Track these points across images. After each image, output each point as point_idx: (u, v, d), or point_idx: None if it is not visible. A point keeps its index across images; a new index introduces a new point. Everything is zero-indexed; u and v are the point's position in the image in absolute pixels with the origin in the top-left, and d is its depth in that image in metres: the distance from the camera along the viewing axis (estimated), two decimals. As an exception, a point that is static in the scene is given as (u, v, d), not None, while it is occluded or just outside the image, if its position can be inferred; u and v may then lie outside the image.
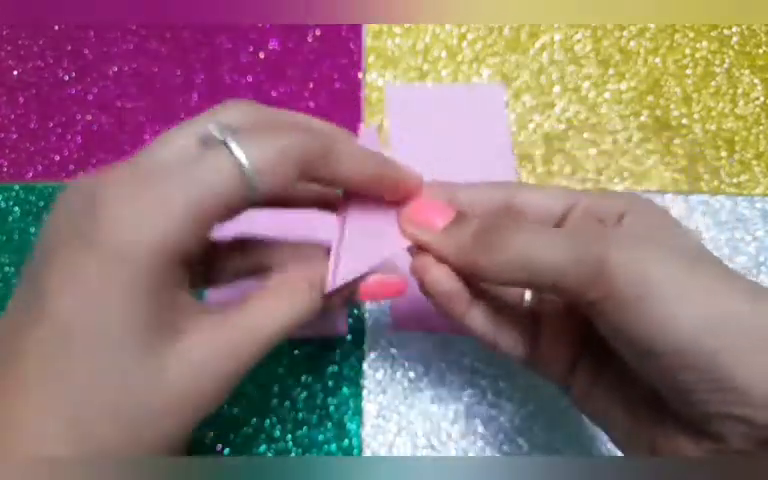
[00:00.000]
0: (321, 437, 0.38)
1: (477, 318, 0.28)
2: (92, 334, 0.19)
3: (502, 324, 0.29)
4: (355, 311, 0.41)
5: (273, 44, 0.49)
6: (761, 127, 0.47)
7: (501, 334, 0.29)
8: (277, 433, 0.38)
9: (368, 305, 0.41)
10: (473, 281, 0.28)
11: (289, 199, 0.29)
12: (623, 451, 0.26)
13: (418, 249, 0.28)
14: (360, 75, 0.47)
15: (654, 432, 0.23)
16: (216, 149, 0.21)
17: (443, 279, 0.27)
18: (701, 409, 0.20)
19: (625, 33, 0.49)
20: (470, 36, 0.48)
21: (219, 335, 0.22)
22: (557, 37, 0.49)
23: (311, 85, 0.47)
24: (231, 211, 0.21)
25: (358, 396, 0.39)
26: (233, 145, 0.20)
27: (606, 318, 0.22)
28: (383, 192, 0.27)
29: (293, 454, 0.38)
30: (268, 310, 0.24)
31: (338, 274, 0.26)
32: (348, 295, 0.28)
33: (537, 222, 0.27)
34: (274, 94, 0.47)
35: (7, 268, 0.43)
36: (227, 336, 0.22)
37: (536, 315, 0.30)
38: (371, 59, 0.48)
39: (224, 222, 0.22)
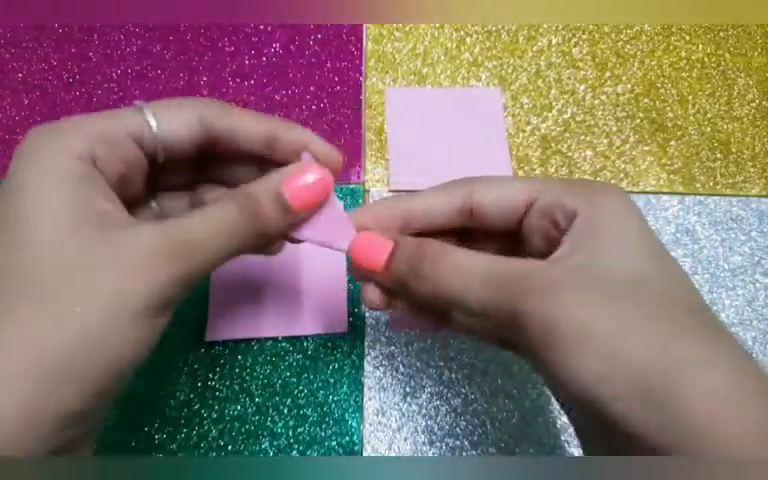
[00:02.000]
0: (322, 434, 0.39)
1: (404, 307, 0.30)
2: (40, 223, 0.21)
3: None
4: (356, 310, 0.42)
5: (275, 47, 0.49)
6: (756, 129, 0.47)
7: (422, 319, 0.30)
8: (279, 429, 0.39)
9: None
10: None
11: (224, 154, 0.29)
12: None
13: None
14: (361, 78, 0.48)
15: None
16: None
17: (375, 299, 0.29)
18: (596, 446, 0.22)
19: (621, 36, 0.50)
20: (468, 40, 0.49)
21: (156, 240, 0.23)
22: (554, 40, 0.49)
23: (312, 88, 0.48)
24: (146, 150, 0.26)
25: (359, 393, 0.40)
26: (140, 103, 0.26)
27: (523, 353, 0.23)
28: (278, 152, 0.27)
29: (294, 451, 0.38)
30: (211, 223, 0.24)
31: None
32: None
33: (499, 218, 0.27)
34: (277, 97, 0.48)
35: (12, 268, 0.43)
36: (165, 243, 0.23)
37: None
38: (371, 62, 0.48)
39: (139, 161, 0.26)
